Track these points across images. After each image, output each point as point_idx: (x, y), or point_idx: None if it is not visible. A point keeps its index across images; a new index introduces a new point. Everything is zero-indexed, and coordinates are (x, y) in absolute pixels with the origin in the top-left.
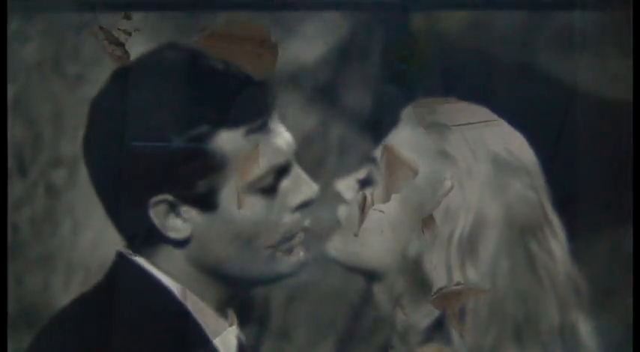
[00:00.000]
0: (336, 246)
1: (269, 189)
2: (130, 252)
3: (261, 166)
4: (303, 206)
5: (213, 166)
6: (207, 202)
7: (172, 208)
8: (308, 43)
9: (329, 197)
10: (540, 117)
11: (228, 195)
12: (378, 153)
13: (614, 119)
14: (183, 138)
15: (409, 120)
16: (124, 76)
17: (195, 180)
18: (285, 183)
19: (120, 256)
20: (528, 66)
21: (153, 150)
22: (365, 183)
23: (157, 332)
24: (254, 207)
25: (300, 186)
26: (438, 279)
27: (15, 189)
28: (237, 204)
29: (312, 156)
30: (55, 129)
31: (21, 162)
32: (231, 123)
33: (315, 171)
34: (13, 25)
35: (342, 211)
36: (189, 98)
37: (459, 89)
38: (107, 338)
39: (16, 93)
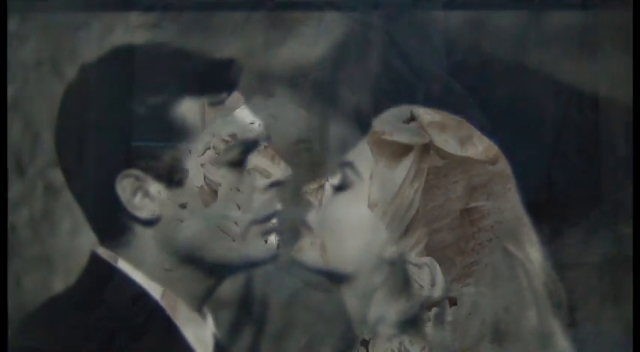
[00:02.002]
0: (305, 251)
1: (236, 163)
2: (103, 250)
3: (225, 137)
4: (273, 185)
5: (175, 135)
6: (172, 176)
7: (139, 184)
8: (307, 43)
9: (302, 202)
10: (537, 119)
11: (194, 169)
12: (352, 156)
13: (612, 119)
14: (144, 105)
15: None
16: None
17: (159, 150)
18: (255, 161)
19: (94, 257)
20: (527, 65)
21: (117, 124)
22: (339, 188)
23: (131, 333)
24: (221, 182)
25: (272, 167)
26: (419, 279)
27: (13, 189)
28: (199, 178)
29: (310, 155)
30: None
31: (19, 162)
32: (193, 92)
33: (314, 170)
34: (11, 25)
35: (312, 216)
36: (152, 73)
37: (458, 89)
38: (80, 340)
39: (14, 93)
